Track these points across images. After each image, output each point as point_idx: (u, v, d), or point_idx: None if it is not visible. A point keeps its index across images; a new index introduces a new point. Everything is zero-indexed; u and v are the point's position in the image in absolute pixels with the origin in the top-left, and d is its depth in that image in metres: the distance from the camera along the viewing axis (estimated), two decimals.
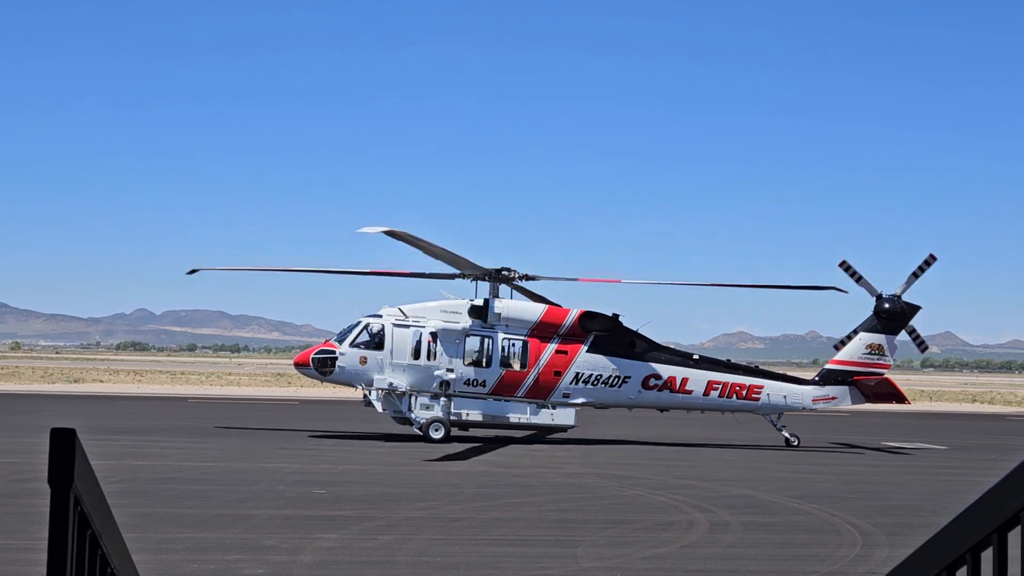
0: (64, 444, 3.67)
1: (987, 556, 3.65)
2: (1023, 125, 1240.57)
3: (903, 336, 38.51)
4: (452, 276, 36.15)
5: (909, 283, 37.59)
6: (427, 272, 36.34)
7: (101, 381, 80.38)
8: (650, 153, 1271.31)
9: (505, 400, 34.88)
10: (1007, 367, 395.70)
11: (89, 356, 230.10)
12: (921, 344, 38.79)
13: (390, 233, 31.85)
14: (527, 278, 35.97)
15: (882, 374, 37.93)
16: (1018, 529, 3.48)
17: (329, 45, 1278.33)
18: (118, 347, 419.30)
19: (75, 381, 78.58)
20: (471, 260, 34.09)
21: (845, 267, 37.36)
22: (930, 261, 37.24)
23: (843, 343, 38.28)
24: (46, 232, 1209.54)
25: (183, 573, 13.25)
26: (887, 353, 38.01)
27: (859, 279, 37.46)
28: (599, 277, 39.23)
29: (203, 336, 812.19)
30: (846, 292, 36.84)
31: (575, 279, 37.22)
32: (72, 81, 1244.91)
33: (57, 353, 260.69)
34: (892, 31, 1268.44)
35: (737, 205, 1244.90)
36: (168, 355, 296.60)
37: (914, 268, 37.45)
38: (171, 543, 15.12)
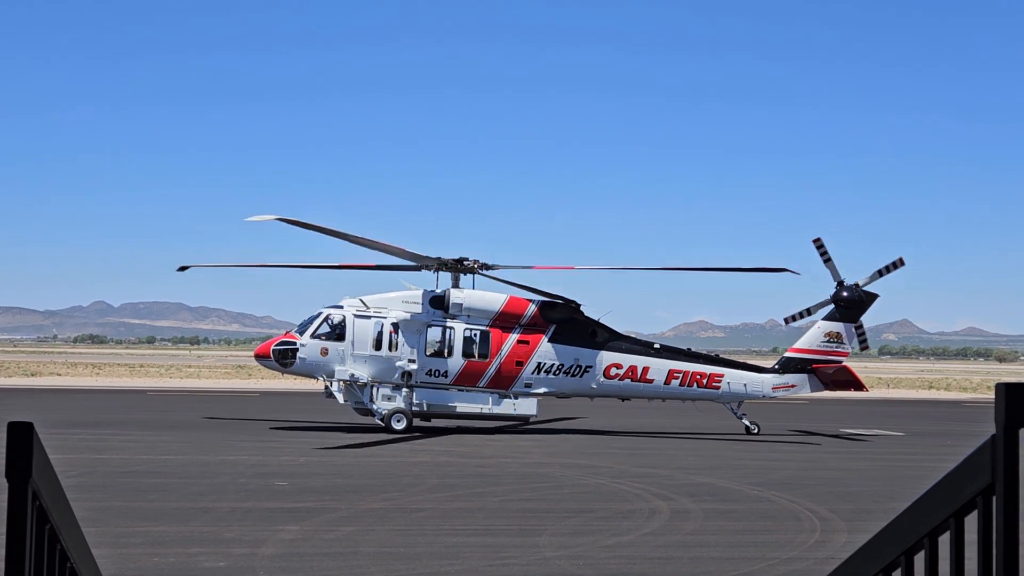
0: (21, 438, 3.63)
1: (944, 540, 3.70)
2: (982, 113, 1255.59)
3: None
4: (417, 268, 36.11)
5: (873, 279, 37.91)
6: (391, 264, 36.25)
7: (59, 374, 79.55)
8: (613, 140, 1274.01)
9: (467, 390, 34.88)
10: (962, 354, 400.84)
11: (46, 349, 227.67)
12: (863, 341, 39.04)
13: (283, 220, 32.54)
14: (485, 267, 35.97)
15: (840, 362, 38.28)
16: (974, 514, 3.53)
17: (285, 40, 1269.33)
18: (76, 340, 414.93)
19: (32, 375, 77.69)
20: (403, 247, 34.05)
21: (818, 244, 37.54)
22: (898, 264, 37.57)
23: (794, 318, 38.44)
24: (1, 225, 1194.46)
25: (144, 567, 13.15)
26: (845, 341, 38.36)
27: (828, 260, 37.69)
28: (553, 265, 39.12)
29: (162, 328, 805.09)
30: (798, 274, 36.47)
31: (530, 267, 37.20)
32: (27, 78, 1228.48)
33: (14, 346, 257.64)
34: (861, 15, 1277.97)
35: (697, 193, 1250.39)
36: (127, 348, 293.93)
37: (881, 266, 37.73)
38: (131, 537, 15.01)
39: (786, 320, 38.87)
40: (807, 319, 38.80)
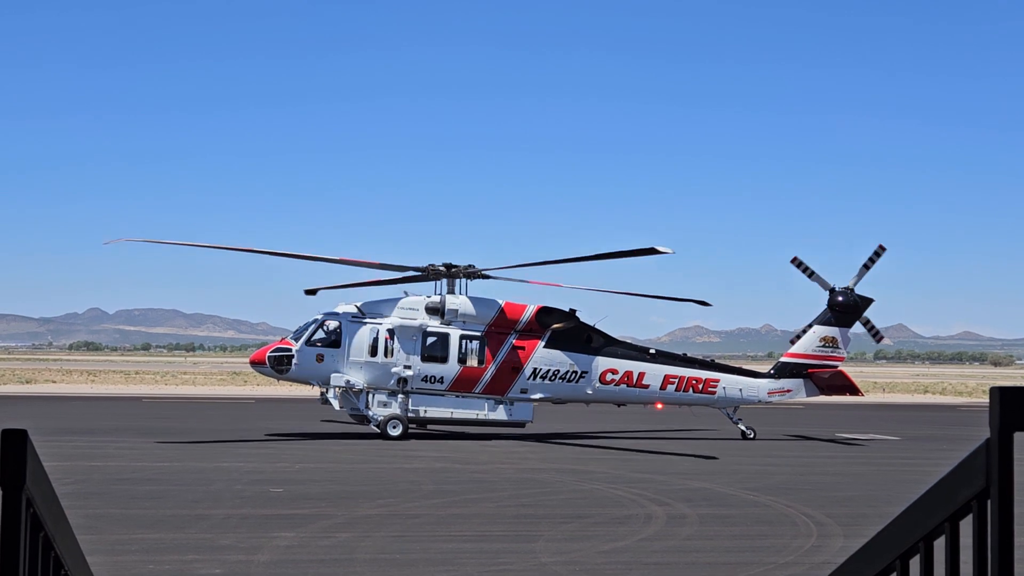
0: (15, 445, 3.62)
1: (939, 544, 3.70)
2: (976, 116, 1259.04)
3: (857, 328, 38.97)
4: (416, 279, 36.16)
5: (860, 275, 38.04)
6: (389, 278, 36.37)
7: (54, 382, 79.42)
8: (613, 142, 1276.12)
9: (463, 396, 34.86)
10: (958, 358, 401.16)
11: (41, 356, 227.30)
12: (876, 335, 39.16)
13: (132, 240, 35.74)
14: (480, 274, 36.00)
15: (836, 367, 38.35)
16: (969, 518, 3.54)
17: (277, 47, 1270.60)
18: (71, 347, 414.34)
19: (27, 382, 77.56)
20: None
21: (797, 263, 37.71)
22: (879, 252, 37.71)
23: (799, 337, 38.64)
24: None
25: (139, 574, 13.13)
26: (841, 346, 38.43)
27: (811, 274, 37.84)
28: (544, 280, 38.25)
29: (158, 335, 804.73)
30: (671, 252, 33.70)
31: (524, 280, 37.07)
32: (22, 85, 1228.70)
33: (8, 354, 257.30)
34: (860, 19, 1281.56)
35: (697, 195, 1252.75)
36: (122, 355, 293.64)
37: (864, 260, 37.89)
38: (127, 544, 14.98)
39: (791, 341, 39.05)
40: (801, 328, 38.96)
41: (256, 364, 35.19)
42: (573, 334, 35.86)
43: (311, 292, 38.76)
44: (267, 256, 38.11)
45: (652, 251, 32.79)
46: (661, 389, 36.15)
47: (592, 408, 39.80)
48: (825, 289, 38.10)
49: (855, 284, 38.12)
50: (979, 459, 3.43)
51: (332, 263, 35.37)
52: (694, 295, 38.09)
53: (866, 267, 37.84)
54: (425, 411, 34.64)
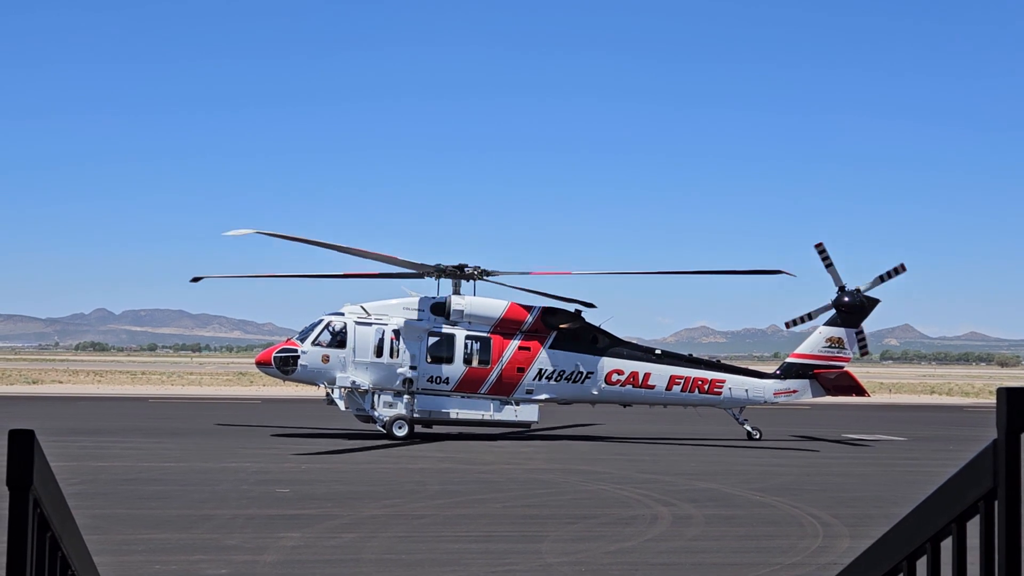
0: (22, 445, 3.63)
1: (946, 546, 3.69)
2: (984, 118, 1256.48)
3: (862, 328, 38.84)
4: (419, 275, 36.14)
5: (874, 284, 37.90)
6: (393, 272, 36.33)
7: (60, 382, 79.54)
8: (614, 147, 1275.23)
9: (468, 397, 34.86)
10: (964, 359, 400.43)
11: (48, 357, 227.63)
12: (863, 348, 39.00)
13: (262, 233, 33.55)
14: (486, 274, 36.00)
15: (842, 367, 38.27)
16: (977, 519, 3.53)
17: (281, 47, 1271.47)
18: (77, 347, 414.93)
19: (34, 382, 77.69)
20: (405, 258, 34.22)
21: (820, 249, 37.51)
22: (900, 270, 37.55)
23: (795, 322, 38.41)
24: (2, 232, 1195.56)
25: (146, 574, 13.14)
26: (847, 346, 38.35)
27: (829, 265, 37.69)
28: (550, 270, 38.93)
29: (164, 336, 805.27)
30: (794, 276, 35.66)
31: (527, 272, 37.15)
32: (27, 85, 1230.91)
33: (15, 354, 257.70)
34: (867, 20, 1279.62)
35: (698, 197, 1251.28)
36: (128, 355, 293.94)
37: (883, 271, 37.69)
38: (133, 544, 15.00)
39: (787, 324, 38.87)
40: (808, 323, 38.78)
41: (262, 365, 35.21)
42: (578, 335, 35.85)
43: (196, 280, 38.60)
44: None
45: (778, 272, 34.49)
46: (667, 390, 36.12)
47: (598, 409, 39.77)
48: (836, 284, 37.98)
49: (867, 290, 38.03)
50: (986, 460, 3.43)
51: (360, 255, 35.28)
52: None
53: (881, 279, 37.69)
54: (430, 412, 34.65)
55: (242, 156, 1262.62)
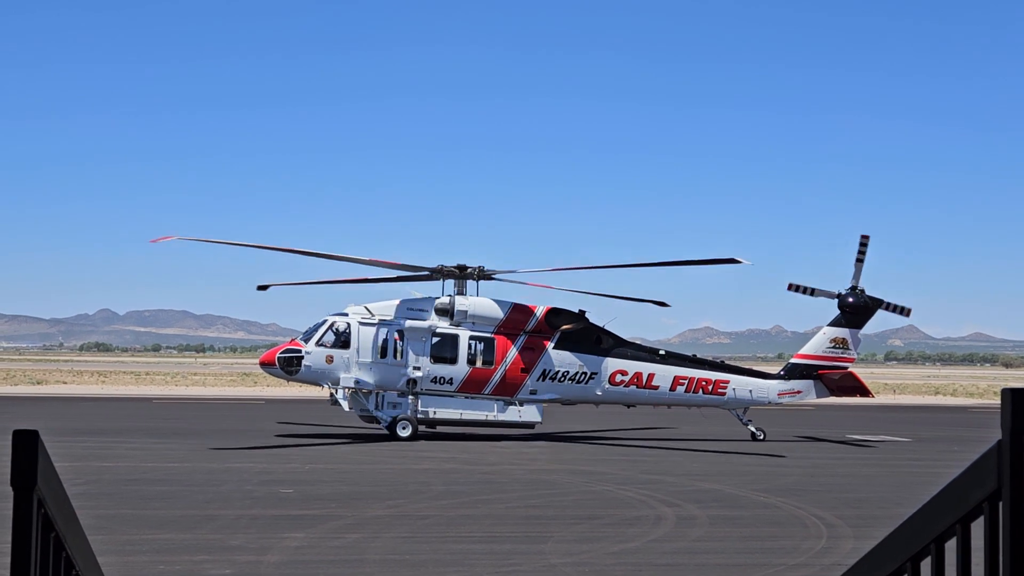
0: (27, 446, 3.64)
1: (951, 547, 3.69)
2: (985, 117, 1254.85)
3: (867, 329, 38.84)
4: (425, 278, 36.18)
5: (858, 271, 37.84)
6: (396, 276, 36.39)
7: (64, 382, 79.63)
8: (614, 147, 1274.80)
9: (472, 397, 34.87)
10: (969, 360, 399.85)
11: (52, 357, 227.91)
12: (901, 311, 39.08)
13: (183, 239, 34.75)
14: (489, 274, 36.00)
15: (846, 368, 38.24)
16: (981, 520, 3.53)
17: (282, 47, 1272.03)
18: (81, 348, 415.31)
19: (38, 383, 77.78)
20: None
21: (794, 289, 37.59)
22: (864, 242, 37.39)
23: (797, 288, 37.97)
24: (6, 232, 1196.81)
25: (150, 574, 13.16)
26: (851, 347, 38.33)
27: (813, 292, 37.66)
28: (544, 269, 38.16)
29: (168, 336, 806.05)
30: (750, 263, 34.30)
31: (524, 283, 37.09)
32: (30, 85, 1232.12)
33: (19, 354, 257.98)
34: (866, 21, 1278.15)
35: (700, 196, 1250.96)
36: (132, 355, 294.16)
37: (854, 256, 37.66)
38: (137, 545, 15.02)
39: (789, 286, 38.17)
40: (805, 296, 37.96)
41: (266, 365, 35.23)
42: (583, 335, 35.84)
43: (263, 288, 38.76)
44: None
45: (732, 261, 33.66)
46: (671, 390, 36.11)
47: (602, 409, 39.76)
48: (833, 298, 37.98)
49: (857, 280, 37.93)
50: (991, 461, 3.42)
51: (356, 263, 35.34)
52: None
53: (859, 261, 37.64)
54: (434, 412, 34.65)
55: (242, 156, 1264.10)
